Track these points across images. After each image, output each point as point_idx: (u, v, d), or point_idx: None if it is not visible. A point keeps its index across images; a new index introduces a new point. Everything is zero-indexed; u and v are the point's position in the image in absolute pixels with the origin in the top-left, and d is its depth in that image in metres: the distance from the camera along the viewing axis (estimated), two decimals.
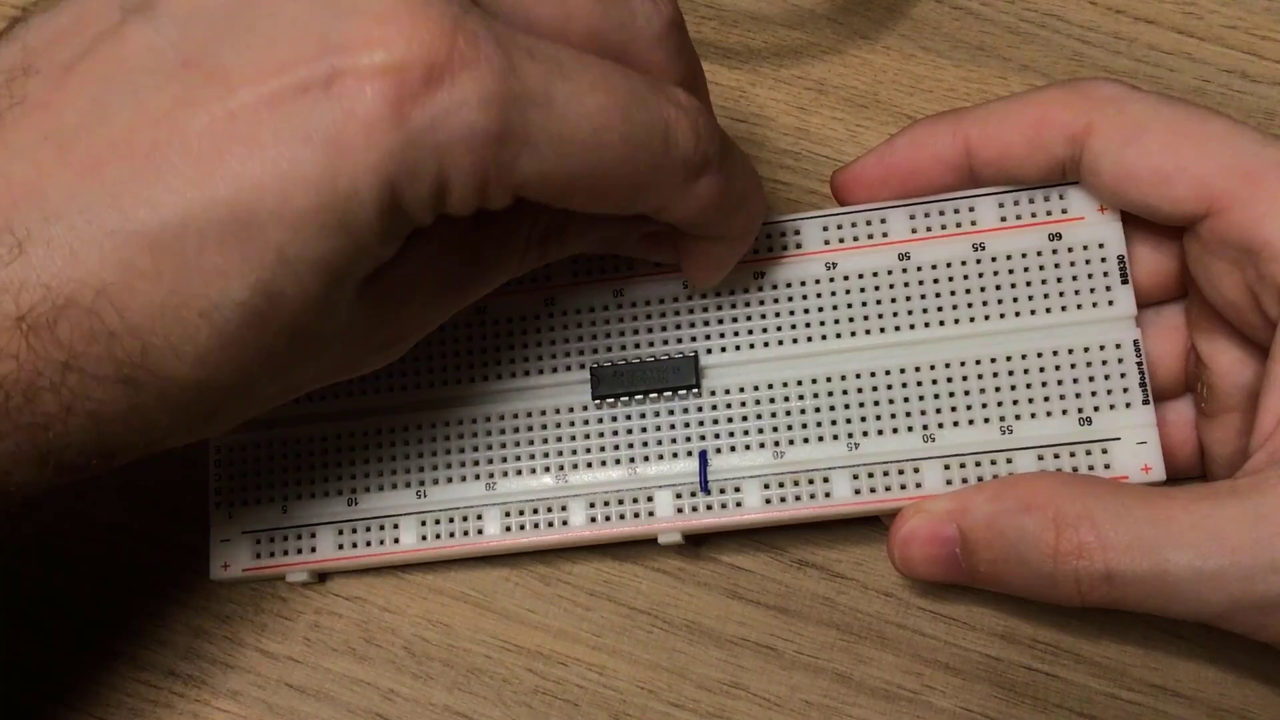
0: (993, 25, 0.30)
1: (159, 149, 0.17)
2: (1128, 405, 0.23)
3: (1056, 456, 0.23)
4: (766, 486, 0.24)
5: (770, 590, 0.26)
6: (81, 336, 0.17)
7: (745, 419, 0.24)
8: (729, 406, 0.24)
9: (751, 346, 0.25)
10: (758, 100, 0.30)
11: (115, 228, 0.17)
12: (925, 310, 0.24)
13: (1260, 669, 0.24)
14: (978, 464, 0.24)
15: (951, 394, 0.24)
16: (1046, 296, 0.24)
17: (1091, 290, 0.24)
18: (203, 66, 0.17)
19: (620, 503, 0.24)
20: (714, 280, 0.24)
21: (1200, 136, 0.22)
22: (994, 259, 0.24)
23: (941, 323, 0.24)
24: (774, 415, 0.24)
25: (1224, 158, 0.22)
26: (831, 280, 0.25)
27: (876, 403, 0.24)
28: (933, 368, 0.24)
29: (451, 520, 0.25)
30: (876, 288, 0.25)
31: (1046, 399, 0.24)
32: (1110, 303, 0.24)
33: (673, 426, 0.25)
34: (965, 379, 0.24)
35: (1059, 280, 0.24)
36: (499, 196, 0.18)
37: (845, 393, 0.24)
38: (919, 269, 0.24)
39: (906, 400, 0.24)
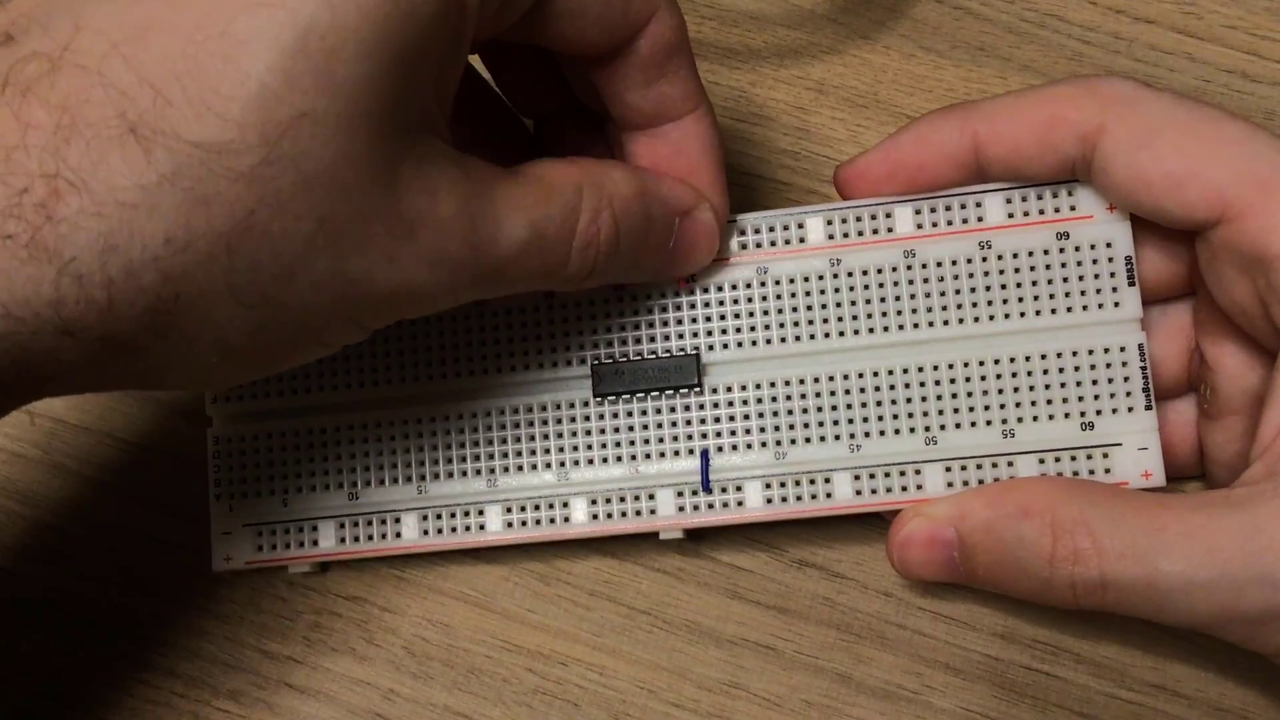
0: (993, 25, 0.30)
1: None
2: (1130, 410, 0.23)
3: (1058, 460, 0.23)
4: (768, 486, 0.24)
5: (770, 590, 0.26)
6: (80, 95, 0.16)
7: (747, 417, 0.24)
8: (730, 405, 0.24)
9: (754, 344, 0.25)
10: (758, 100, 0.30)
11: None
12: (930, 309, 0.24)
13: (1260, 669, 0.24)
14: (979, 466, 0.24)
15: (954, 395, 0.24)
16: (1052, 297, 0.24)
17: (1098, 291, 0.24)
18: None
19: (622, 500, 0.25)
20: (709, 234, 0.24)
21: (1215, 140, 0.22)
22: (1000, 257, 0.24)
23: (946, 322, 0.24)
24: (775, 414, 0.24)
25: (1239, 164, 0.21)
26: (835, 276, 0.25)
27: (879, 403, 0.24)
28: (936, 368, 0.24)
29: (454, 515, 0.25)
30: (881, 285, 0.24)
31: (1049, 402, 0.24)
32: (1116, 304, 0.24)
33: (674, 424, 0.25)
34: (969, 380, 0.24)
35: (1065, 280, 0.24)
36: None
37: (848, 392, 0.24)
38: (924, 266, 0.24)
39: (909, 401, 0.24)
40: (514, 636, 0.26)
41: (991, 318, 0.24)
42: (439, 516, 0.25)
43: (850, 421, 0.24)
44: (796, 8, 0.30)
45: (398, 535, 0.25)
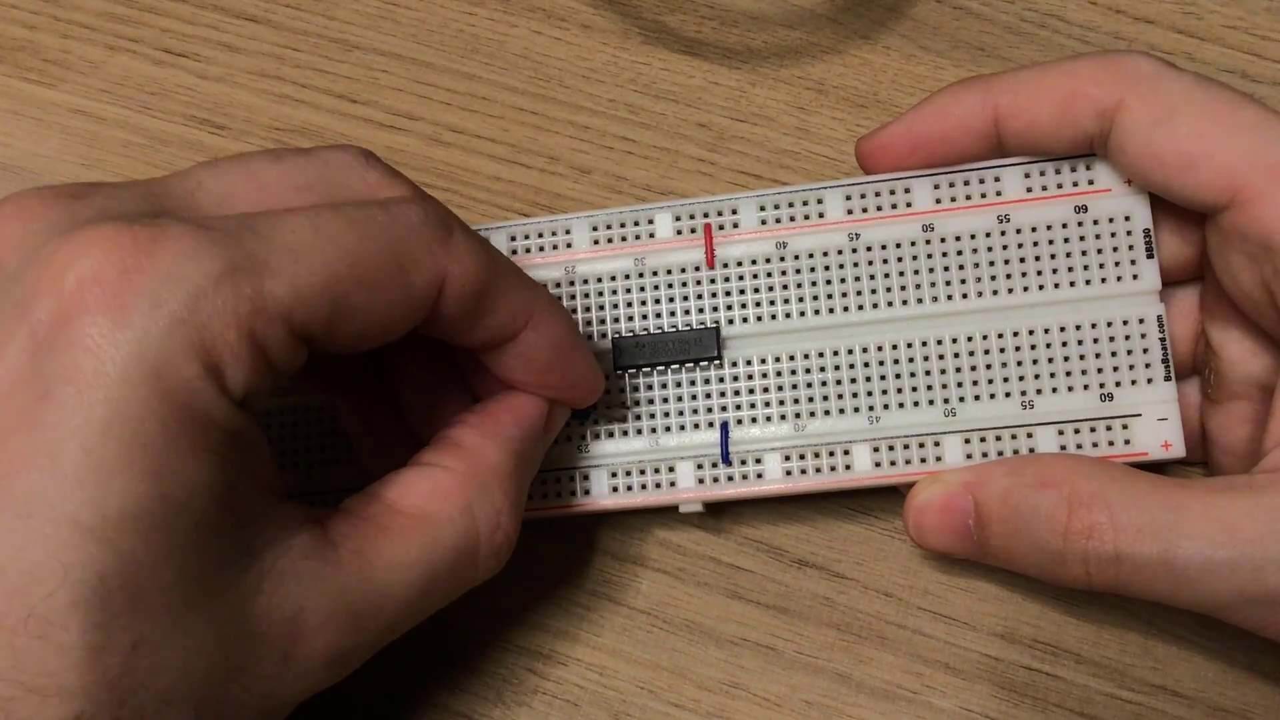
0: (993, 25, 0.30)
1: None
2: (1149, 381, 0.25)
3: (1077, 431, 0.25)
4: (787, 458, 0.25)
5: (770, 590, 0.26)
6: None
7: (767, 390, 0.26)
8: (750, 378, 0.26)
9: (773, 318, 0.26)
10: (758, 100, 0.30)
11: None
12: (949, 283, 0.25)
13: (1260, 669, 0.25)
14: (998, 438, 0.25)
15: (974, 368, 0.25)
16: (1071, 270, 0.25)
17: (1116, 264, 0.25)
18: None
19: (642, 473, 0.26)
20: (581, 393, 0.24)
21: (1231, 123, 0.22)
22: (1019, 230, 0.25)
23: (965, 295, 0.25)
24: (795, 387, 0.26)
25: (1252, 149, 0.22)
26: (854, 251, 0.26)
27: (898, 375, 0.25)
28: (955, 341, 0.25)
29: None
30: (900, 259, 0.26)
31: (1068, 374, 0.25)
32: (1135, 277, 0.25)
33: (694, 397, 0.26)
34: (988, 353, 0.25)
35: (1084, 253, 0.25)
36: (279, 342, 0.19)
37: (867, 365, 0.25)
38: (943, 240, 0.26)
39: (928, 374, 0.25)
40: (514, 637, 0.26)
41: (1010, 290, 0.25)
42: None
43: (870, 394, 0.25)
44: (796, 8, 0.31)
45: None
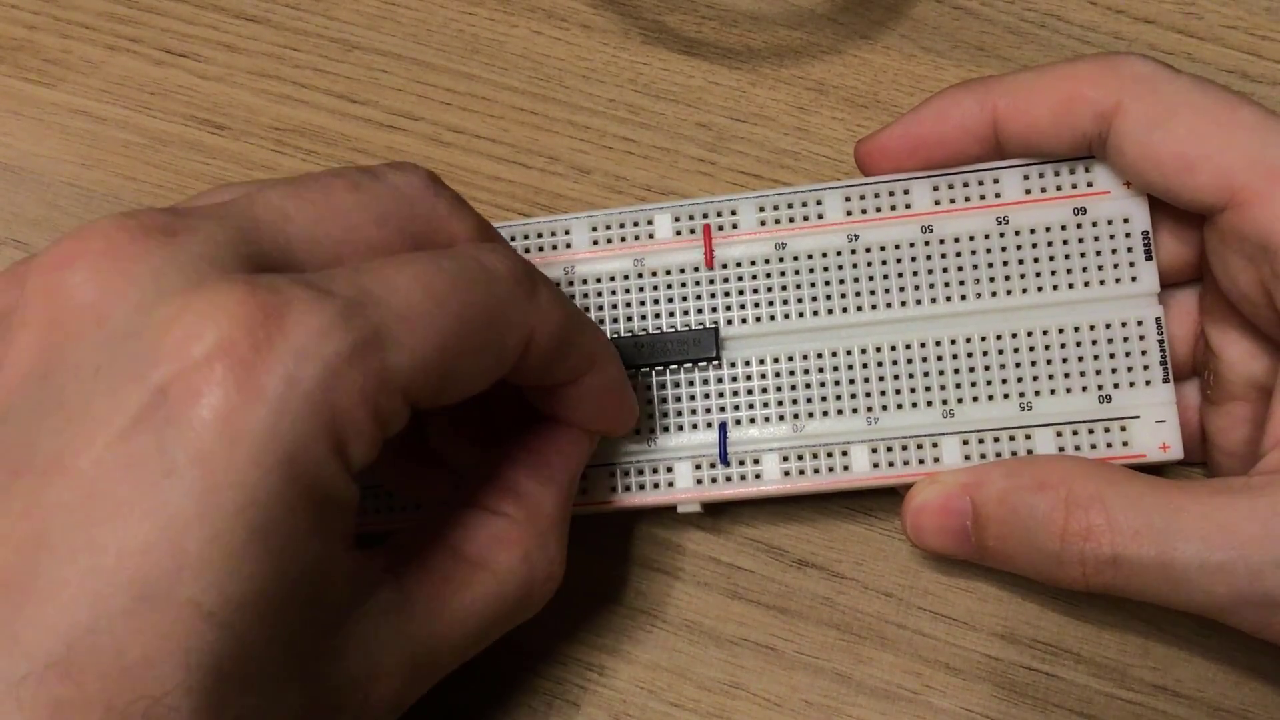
0: (993, 25, 0.30)
1: (24, 569, 0.16)
2: (1147, 383, 0.25)
3: (1075, 433, 0.25)
4: (785, 459, 0.26)
5: (770, 590, 0.26)
6: None
7: (765, 391, 0.26)
8: (749, 379, 0.26)
9: (772, 318, 0.26)
10: (758, 100, 0.30)
11: (22, 672, 0.16)
12: (948, 284, 0.26)
13: (1260, 669, 0.25)
14: (996, 440, 0.25)
15: (972, 369, 0.25)
16: (1069, 271, 0.25)
17: (1115, 266, 0.25)
18: (32, 468, 0.17)
19: (640, 473, 0.26)
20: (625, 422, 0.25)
21: (1229, 125, 0.23)
22: (1018, 232, 0.26)
23: (964, 297, 0.25)
24: (794, 388, 0.26)
25: (1250, 150, 0.22)
26: (853, 252, 0.26)
27: (897, 376, 0.25)
28: (954, 342, 0.25)
29: None
30: (899, 260, 0.26)
31: (1067, 375, 0.25)
32: (1133, 279, 0.25)
33: (693, 397, 0.26)
34: (986, 354, 0.25)
35: (1082, 255, 0.25)
36: (396, 413, 0.19)
37: (865, 366, 0.26)
38: (942, 241, 0.26)
39: (927, 375, 0.25)
40: (514, 636, 0.26)
41: (1009, 292, 0.25)
42: None
43: (868, 395, 0.26)
44: (796, 8, 0.31)
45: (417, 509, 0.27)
